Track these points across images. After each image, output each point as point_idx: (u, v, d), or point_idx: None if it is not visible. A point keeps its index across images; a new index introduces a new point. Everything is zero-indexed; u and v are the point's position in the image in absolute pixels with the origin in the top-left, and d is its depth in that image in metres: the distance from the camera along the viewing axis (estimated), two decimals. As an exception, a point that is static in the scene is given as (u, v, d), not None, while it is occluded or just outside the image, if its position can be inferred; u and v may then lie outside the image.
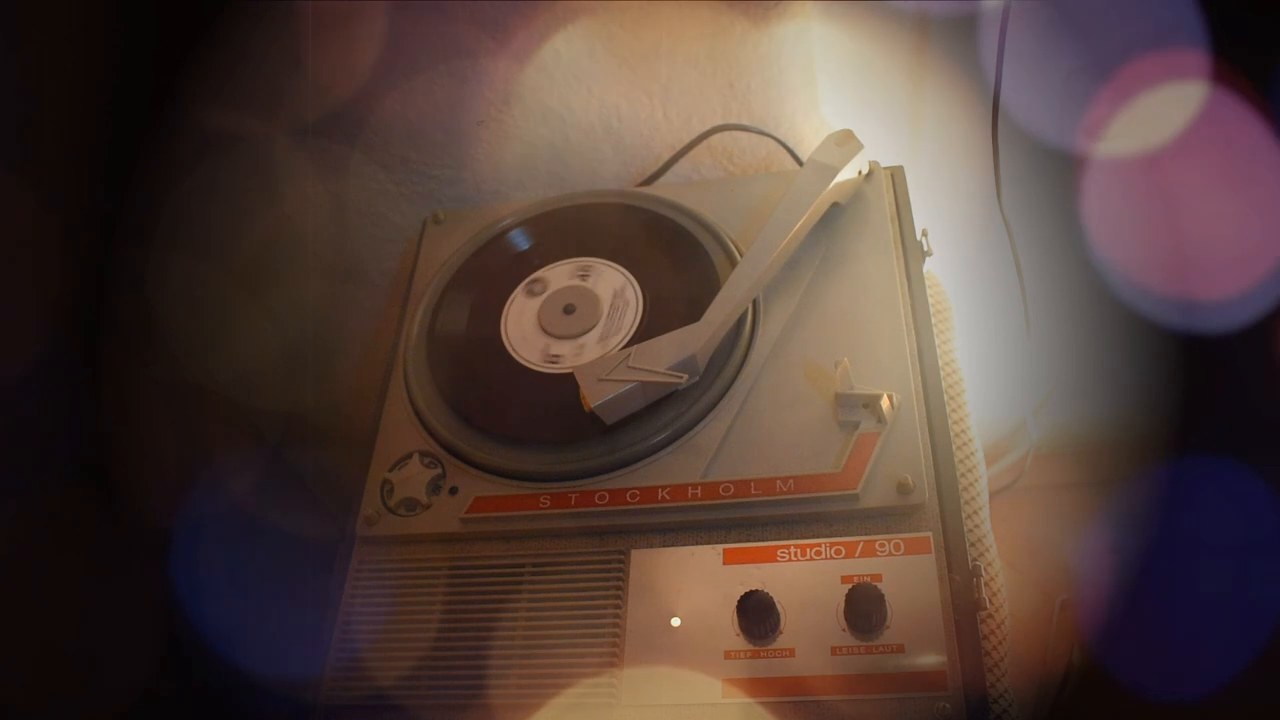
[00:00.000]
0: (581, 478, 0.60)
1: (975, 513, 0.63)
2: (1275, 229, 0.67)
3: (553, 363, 0.66)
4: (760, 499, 0.57)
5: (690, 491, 0.58)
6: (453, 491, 0.62)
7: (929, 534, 0.54)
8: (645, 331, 0.66)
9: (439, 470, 0.63)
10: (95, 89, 0.69)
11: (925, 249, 0.68)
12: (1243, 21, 0.62)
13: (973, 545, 0.59)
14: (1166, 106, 0.68)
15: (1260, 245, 0.69)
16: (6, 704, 0.63)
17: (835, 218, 0.69)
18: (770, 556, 0.56)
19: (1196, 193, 0.74)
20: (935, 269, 0.77)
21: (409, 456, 0.64)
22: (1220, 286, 0.72)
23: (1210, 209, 0.75)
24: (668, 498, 0.58)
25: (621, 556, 0.57)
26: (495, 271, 0.73)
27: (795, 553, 0.56)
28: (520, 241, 0.75)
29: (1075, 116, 0.75)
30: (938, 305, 0.73)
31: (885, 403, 0.58)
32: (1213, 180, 0.73)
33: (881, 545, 0.55)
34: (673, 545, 0.57)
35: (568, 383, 0.61)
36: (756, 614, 0.53)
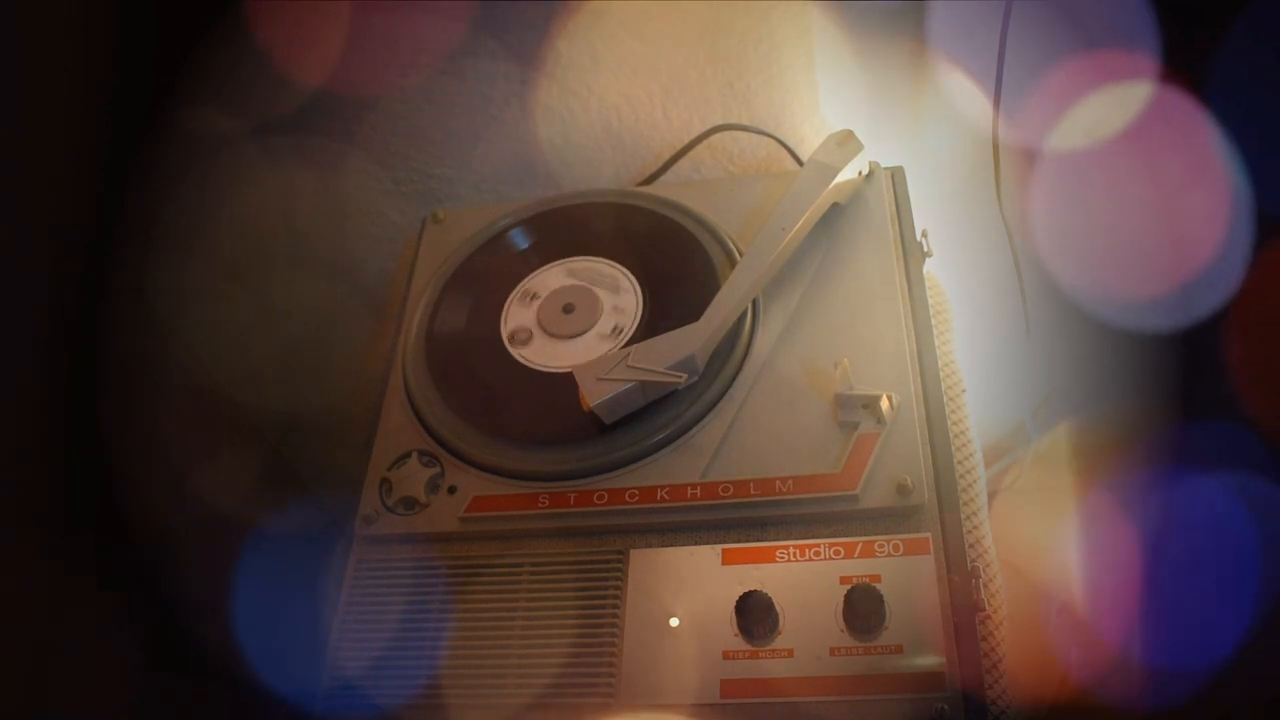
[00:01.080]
0: (580, 477, 0.60)
1: (974, 514, 0.62)
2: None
3: (551, 362, 0.66)
4: (759, 499, 0.57)
5: (689, 491, 0.58)
6: (451, 490, 0.62)
7: (928, 535, 0.54)
8: (645, 331, 0.66)
9: (437, 469, 0.63)
10: (95, 89, 0.69)
11: (925, 249, 0.68)
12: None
13: (972, 546, 0.58)
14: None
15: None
16: (5, 705, 0.63)
17: (835, 218, 0.69)
18: (769, 557, 0.56)
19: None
20: (935, 269, 0.77)
21: (408, 455, 0.64)
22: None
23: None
24: (667, 498, 0.58)
25: (620, 556, 0.57)
26: (495, 271, 0.73)
27: (794, 553, 0.56)
28: (520, 241, 0.75)
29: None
30: (938, 306, 0.73)
31: (885, 403, 0.58)
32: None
33: (880, 546, 0.55)
34: (671, 545, 0.57)
35: (567, 382, 0.61)
36: (755, 614, 0.52)
